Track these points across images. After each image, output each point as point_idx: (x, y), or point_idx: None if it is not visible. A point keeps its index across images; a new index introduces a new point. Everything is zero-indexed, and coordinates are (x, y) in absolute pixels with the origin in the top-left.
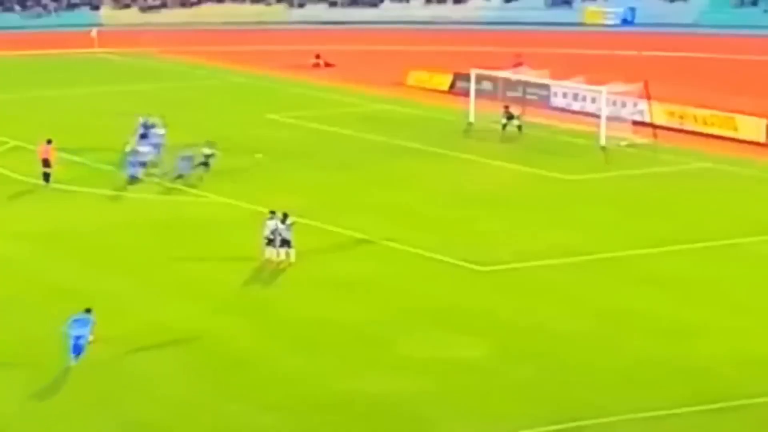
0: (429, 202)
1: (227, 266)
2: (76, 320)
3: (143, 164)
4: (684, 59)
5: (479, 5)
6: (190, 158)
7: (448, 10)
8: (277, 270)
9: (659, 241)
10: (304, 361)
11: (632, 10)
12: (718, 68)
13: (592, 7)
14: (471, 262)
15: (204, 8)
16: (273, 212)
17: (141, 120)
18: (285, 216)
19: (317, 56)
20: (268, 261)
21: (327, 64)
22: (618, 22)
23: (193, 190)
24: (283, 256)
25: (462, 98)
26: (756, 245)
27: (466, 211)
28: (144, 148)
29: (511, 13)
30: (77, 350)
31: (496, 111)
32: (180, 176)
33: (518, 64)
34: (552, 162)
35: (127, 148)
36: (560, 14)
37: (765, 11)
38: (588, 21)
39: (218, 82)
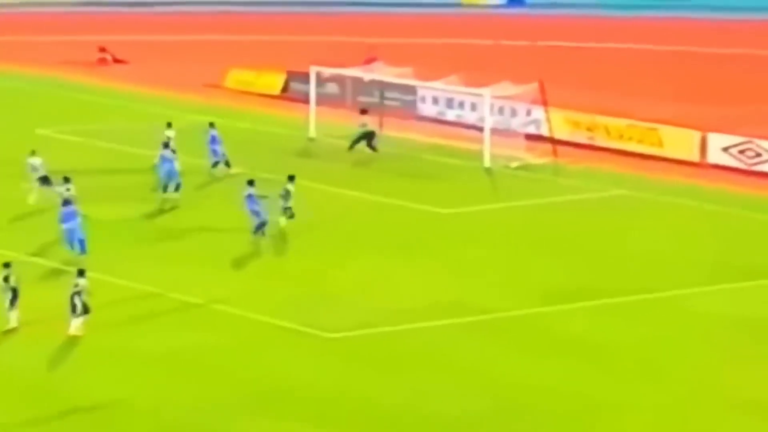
0: (263, 249)
1: None
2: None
3: None
4: (591, 51)
5: None
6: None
7: None
8: (67, 342)
9: (565, 295)
10: None
11: None
12: (634, 62)
13: None
14: (318, 327)
15: None
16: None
17: None
18: (81, 272)
19: (102, 49)
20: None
21: (116, 60)
22: (504, 2)
23: None
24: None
25: (299, 105)
26: (688, 299)
27: (313, 260)
28: None
29: None
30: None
31: (343, 122)
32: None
33: (371, 59)
34: (422, 190)
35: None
36: None
37: None
38: (465, 1)
39: None
